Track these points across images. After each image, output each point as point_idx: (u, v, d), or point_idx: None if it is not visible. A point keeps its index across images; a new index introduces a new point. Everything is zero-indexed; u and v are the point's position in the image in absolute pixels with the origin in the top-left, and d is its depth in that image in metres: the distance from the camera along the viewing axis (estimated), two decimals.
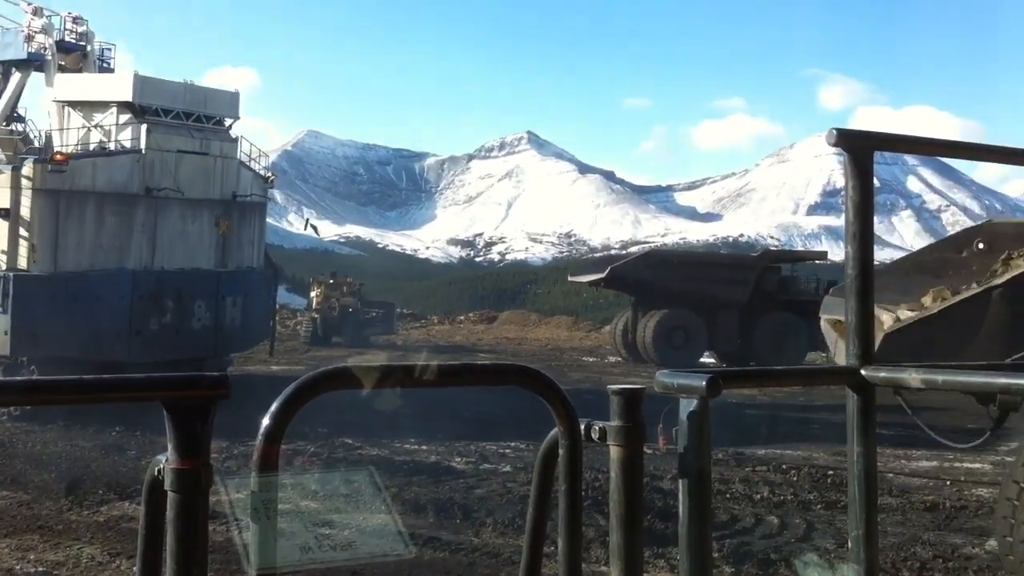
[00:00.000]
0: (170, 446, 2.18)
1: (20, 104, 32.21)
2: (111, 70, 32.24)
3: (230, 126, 31.36)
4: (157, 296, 28.49)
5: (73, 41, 31.77)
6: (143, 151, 28.62)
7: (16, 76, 30.74)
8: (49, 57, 30.49)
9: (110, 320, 27.21)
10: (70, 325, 26.44)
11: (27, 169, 27.34)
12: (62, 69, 30.80)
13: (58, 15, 31.73)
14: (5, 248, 27.77)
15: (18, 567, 11.86)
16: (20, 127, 31.89)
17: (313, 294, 49.88)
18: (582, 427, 2.71)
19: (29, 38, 30.88)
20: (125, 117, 29.21)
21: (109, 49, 32.77)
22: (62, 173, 27.05)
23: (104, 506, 15.17)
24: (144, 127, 28.85)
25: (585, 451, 2.73)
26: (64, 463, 18.34)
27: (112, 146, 29.14)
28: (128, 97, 29.05)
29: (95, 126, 29.58)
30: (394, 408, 21.36)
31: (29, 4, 31.10)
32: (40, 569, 11.81)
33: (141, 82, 29.47)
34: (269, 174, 33.46)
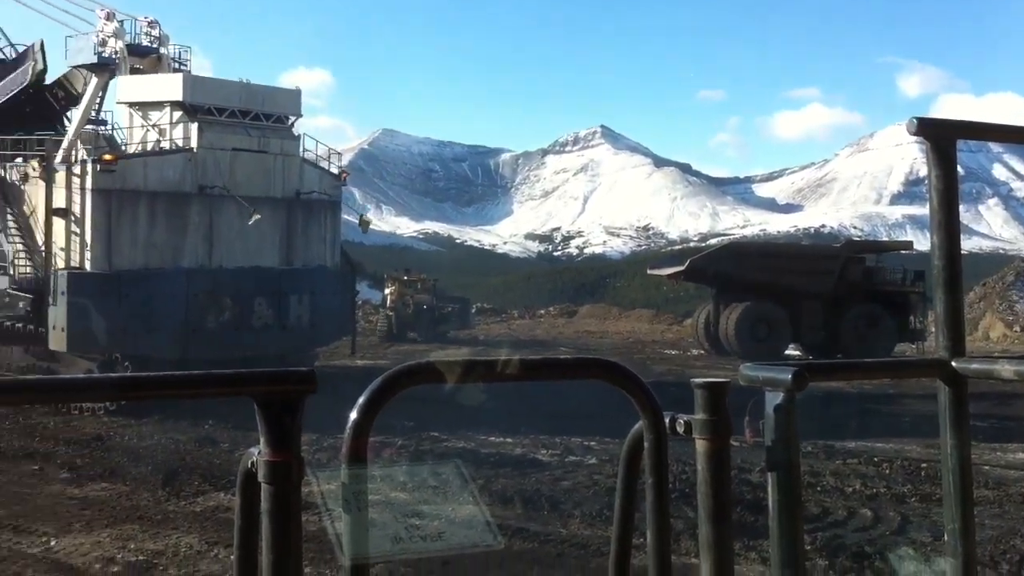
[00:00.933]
0: (262, 439, 2.24)
1: (105, 107, 32.91)
2: (190, 71, 32.47)
3: (292, 124, 31.27)
4: (214, 294, 28.58)
5: (147, 44, 32.18)
6: (194, 149, 28.76)
7: (93, 80, 31.27)
8: (119, 60, 30.78)
9: (164, 318, 27.41)
10: (124, 323, 26.90)
11: (80, 169, 28.00)
12: (136, 72, 31.17)
13: (132, 19, 32.13)
14: (63, 246, 28.67)
15: (119, 556, 12.23)
16: (102, 129, 32.58)
17: (387, 291, 49.85)
18: (666, 421, 2.71)
19: (102, 43, 31.56)
20: (178, 116, 29.37)
21: (186, 51, 33.08)
22: (112, 173, 27.47)
23: (200, 497, 15.54)
24: (195, 126, 28.93)
25: (673, 442, 2.73)
26: (160, 455, 18.83)
27: (166, 145, 29.32)
28: (179, 96, 29.22)
29: (152, 126, 29.84)
30: (478, 402, 21.50)
31: (103, 9, 31.77)
32: (141, 558, 12.15)
33: (192, 81, 29.70)
34: (340, 171, 33.23)
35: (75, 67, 32.23)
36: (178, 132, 29.19)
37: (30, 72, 32.86)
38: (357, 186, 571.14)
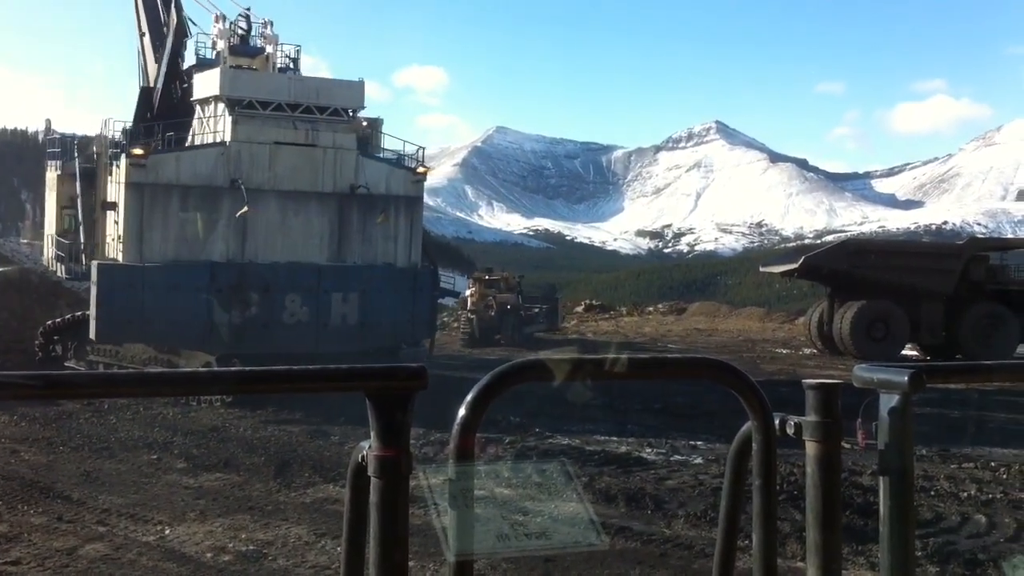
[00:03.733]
0: (372, 434, 2.28)
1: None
2: (296, 71, 32.75)
3: (353, 116, 30.54)
4: (239, 289, 27.99)
5: (251, 45, 32.51)
6: (227, 143, 28.52)
7: (195, 80, 31.73)
8: (220, 61, 31.06)
9: (187, 311, 27.35)
10: (149, 314, 27.13)
11: (121, 164, 28.45)
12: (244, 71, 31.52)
13: (235, 20, 32.53)
14: (112, 239, 29.57)
15: (231, 545, 12.55)
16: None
17: (468, 292, 47.22)
18: (776, 422, 2.67)
19: (213, 44, 32.37)
20: (220, 109, 29.34)
21: (296, 49, 33.23)
22: (144, 167, 27.67)
23: (310, 488, 15.86)
24: (229, 119, 28.70)
25: (780, 442, 2.69)
26: (273, 447, 19.27)
27: (210, 139, 29.38)
28: (216, 91, 29.20)
29: (206, 119, 29.98)
30: (584, 400, 21.45)
31: (219, 13, 32.58)
32: (251, 547, 12.45)
33: (231, 75, 29.44)
34: (418, 166, 31.95)
35: (187, 69, 33.04)
36: (220, 126, 29.22)
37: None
38: (469, 183, 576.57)
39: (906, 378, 2.62)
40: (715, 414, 22.09)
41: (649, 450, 19.49)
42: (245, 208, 27.87)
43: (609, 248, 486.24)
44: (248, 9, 32.73)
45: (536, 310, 46.72)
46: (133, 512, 14.11)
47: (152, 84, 33.61)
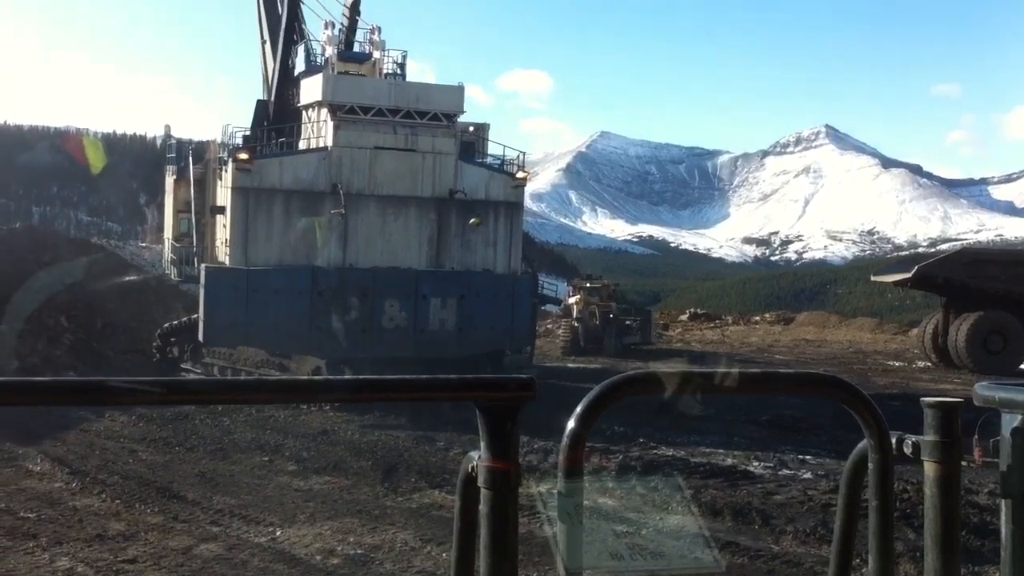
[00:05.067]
0: (483, 444, 2.30)
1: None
2: (403, 76, 32.98)
3: (453, 121, 30.38)
4: (340, 293, 28.15)
5: (358, 51, 33.00)
6: (328, 148, 28.77)
7: (301, 86, 32.00)
8: (327, 67, 31.38)
9: (289, 315, 27.70)
10: (252, 318, 27.54)
11: (228, 169, 28.96)
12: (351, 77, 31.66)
13: (339, 25, 33.08)
14: (220, 242, 30.07)
15: (339, 548, 12.76)
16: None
17: (572, 300, 46.32)
18: (893, 441, 2.61)
19: (322, 51, 33.00)
20: (323, 115, 29.60)
21: (404, 54, 33.31)
22: (249, 172, 28.10)
23: (416, 493, 16.02)
24: (331, 124, 28.93)
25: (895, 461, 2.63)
26: (380, 451, 19.52)
27: (313, 144, 29.68)
28: (319, 97, 29.48)
29: (310, 125, 30.29)
30: (695, 411, 21.20)
31: (330, 20, 33.19)
32: (359, 551, 12.63)
33: (333, 80, 29.64)
34: (518, 172, 31.71)
35: (297, 75, 33.69)
36: (323, 131, 29.51)
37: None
38: (573, 189, 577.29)
39: None
40: (824, 427, 21.63)
41: (756, 463, 19.17)
42: (339, 210, 28.29)
43: (714, 255, 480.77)
44: (378, 27, 33.14)
45: (630, 322, 45.99)
46: (246, 513, 14.45)
47: (270, 90, 34.43)
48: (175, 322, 32.57)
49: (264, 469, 17.91)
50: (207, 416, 22.80)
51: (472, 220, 29.89)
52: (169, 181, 36.23)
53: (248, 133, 32.93)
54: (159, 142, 39.52)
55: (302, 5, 34.23)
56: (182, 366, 31.83)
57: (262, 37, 35.47)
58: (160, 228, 39.26)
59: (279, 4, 34.04)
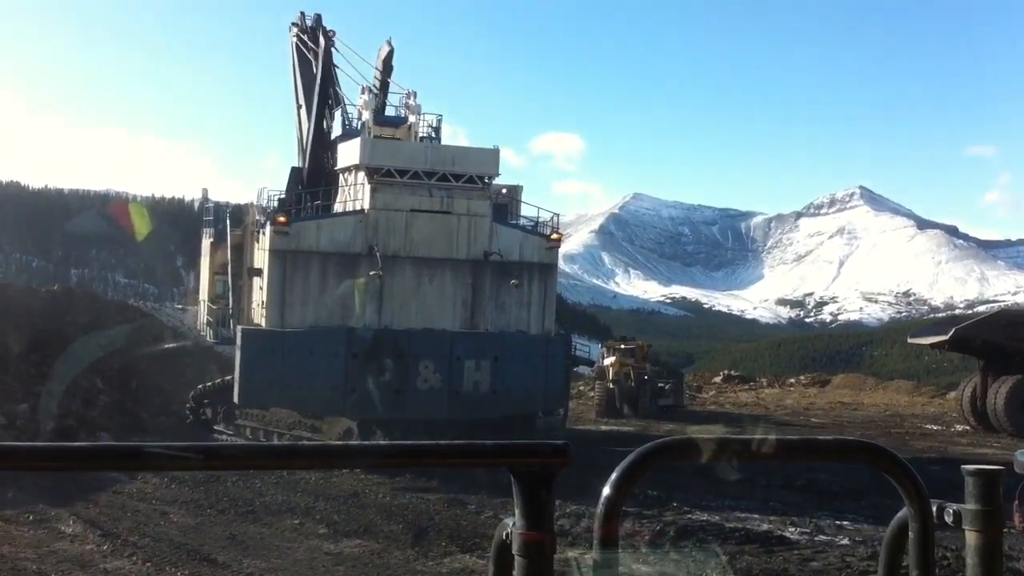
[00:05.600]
0: (517, 512, 2.28)
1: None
2: (438, 139, 33.43)
3: (488, 184, 30.69)
4: (375, 355, 28.14)
5: (393, 115, 33.47)
6: (365, 211, 29.02)
7: (339, 149, 32.36)
8: (364, 131, 31.94)
9: (325, 376, 27.77)
10: (288, 379, 27.68)
11: (266, 231, 29.30)
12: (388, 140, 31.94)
13: (367, 88, 33.56)
14: (256, 304, 30.27)
15: None
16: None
17: (608, 362, 46.05)
18: (934, 508, 2.56)
19: (359, 115, 33.50)
20: (360, 178, 29.93)
21: (439, 118, 33.90)
22: (287, 235, 28.48)
23: (447, 558, 15.87)
24: (368, 187, 29.20)
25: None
26: (411, 515, 19.40)
27: (349, 207, 29.99)
28: (357, 160, 29.86)
29: (347, 188, 30.70)
30: (731, 477, 20.94)
31: (366, 84, 33.75)
32: None
33: (371, 144, 30.05)
34: (552, 233, 31.85)
35: (334, 139, 34.17)
36: (360, 194, 29.85)
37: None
38: (606, 250, 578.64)
39: None
40: (861, 492, 21.28)
41: (792, 529, 18.87)
42: (379, 271, 28.46)
43: (748, 317, 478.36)
44: (414, 92, 33.57)
45: (663, 384, 45.79)
46: None
47: (304, 154, 34.92)
48: (209, 384, 32.72)
49: (294, 532, 17.84)
50: (238, 478, 22.78)
51: (513, 282, 30.01)
52: (206, 243, 36.68)
53: (283, 196, 33.36)
54: (196, 205, 40.07)
55: (336, 68, 34.86)
56: (215, 428, 31.93)
57: (297, 102, 36.08)
58: (197, 290, 39.65)
59: (314, 67, 34.66)
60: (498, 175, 31.24)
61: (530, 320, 30.64)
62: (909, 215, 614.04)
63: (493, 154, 31.17)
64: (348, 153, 31.02)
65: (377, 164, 29.66)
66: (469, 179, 30.12)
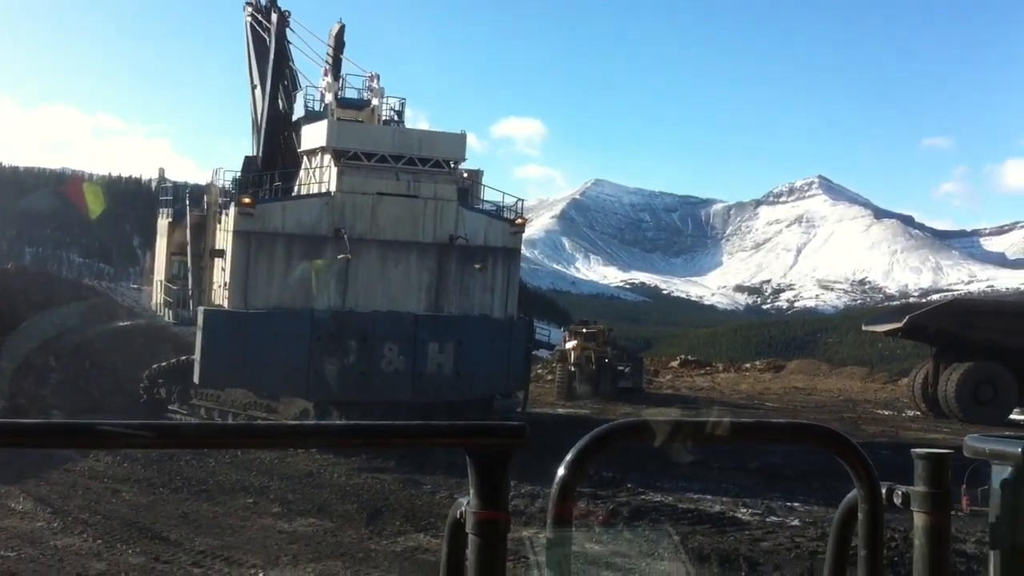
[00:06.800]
0: (472, 491, 2.28)
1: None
2: (401, 123, 33.33)
3: (454, 168, 30.79)
4: (339, 337, 28.19)
5: (356, 97, 33.16)
6: (332, 193, 28.97)
7: (303, 132, 32.11)
8: (328, 114, 31.62)
9: (287, 358, 27.68)
10: (250, 360, 27.51)
11: (230, 212, 29.08)
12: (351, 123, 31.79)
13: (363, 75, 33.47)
14: (219, 285, 30.02)
15: None
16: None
17: (570, 345, 46.60)
18: (883, 491, 2.60)
19: (322, 97, 33.22)
20: (327, 160, 29.82)
21: (402, 101, 33.81)
22: (251, 216, 28.29)
23: (401, 537, 15.90)
24: (334, 170, 29.13)
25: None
26: (365, 494, 19.40)
27: (314, 189, 29.90)
28: (323, 143, 29.68)
29: (312, 170, 30.55)
30: (684, 459, 21.13)
31: (327, 67, 33.47)
32: None
33: (338, 127, 29.94)
34: (517, 218, 31.89)
35: (296, 121, 33.88)
36: (326, 177, 29.76)
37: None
38: (567, 235, 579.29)
39: (1020, 450, 2.54)
40: (813, 475, 21.56)
41: (744, 510, 19.10)
42: (347, 255, 28.30)
43: (706, 303, 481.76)
44: (377, 74, 33.32)
45: (623, 368, 46.27)
46: (228, 555, 14.32)
47: (259, 133, 34.60)
48: (164, 364, 32.41)
49: (248, 511, 17.77)
50: (192, 457, 22.64)
51: (477, 265, 30.00)
52: (163, 223, 36.26)
53: (238, 176, 33.05)
54: (153, 185, 39.55)
55: (290, 45, 34.56)
56: (169, 408, 31.65)
57: (252, 82, 35.71)
58: (153, 270, 39.13)
59: (268, 46, 34.33)
60: (465, 160, 31.29)
61: (493, 304, 30.70)
62: (866, 204, 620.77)
63: (460, 139, 31.24)
64: (314, 135, 30.76)
65: (344, 147, 29.48)
66: (436, 163, 30.08)
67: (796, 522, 17.91)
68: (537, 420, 30.43)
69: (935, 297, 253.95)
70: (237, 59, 37.17)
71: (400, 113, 33.59)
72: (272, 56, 33.95)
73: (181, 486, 19.73)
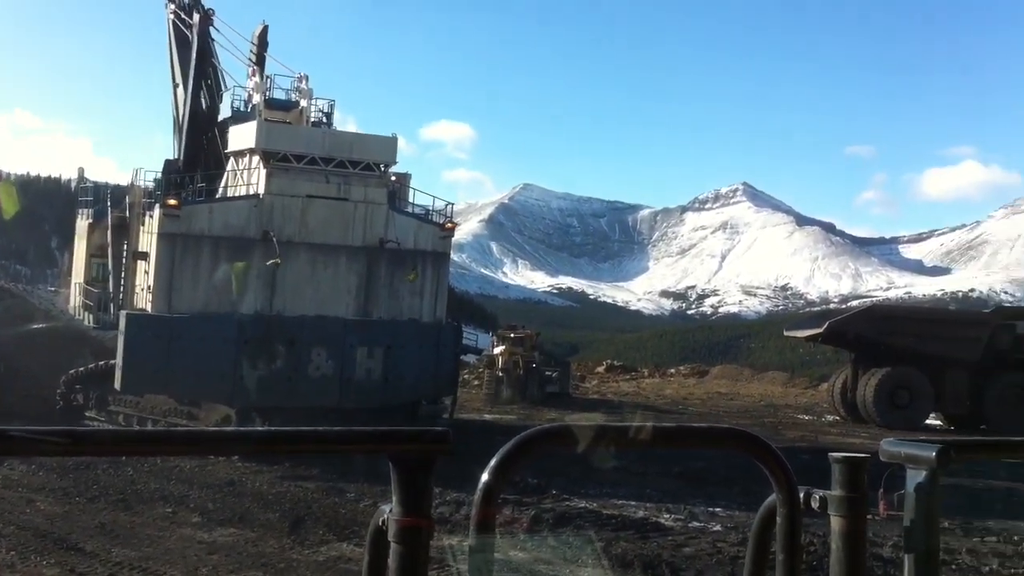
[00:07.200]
0: (394, 499, 2.26)
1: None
2: (329, 125, 33.01)
3: (385, 171, 30.55)
4: (266, 342, 27.80)
5: (283, 99, 32.72)
6: (260, 195, 28.60)
7: (230, 132, 31.66)
8: (255, 114, 31.15)
9: (214, 363, 27.26)
10: (174, 365, 27.05)
11: (154, 214, 28.58)
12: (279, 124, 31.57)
13: (289, 75, 33.06)
14: (142, 288, 29.51)
15: None
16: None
17: (497, 350, 46.54)
18: (801, 495, 2.63)
19: (249, 98, 32.78)
20: (255, 162, 29.41)
21: (331, 103, 33.51)
22: (177, 218, 27.87)
23: (324, 546, 15.73)
24: (263, 172, 28.76)
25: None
26: (288, 503, 19.16)
27: (242, 191, 29.45)
28: (253, 144, 29.30)
29: (240, 172, 30.12)
30: (608, 464, 21.27)
31: (254, 67, 33.04)
32: None
33: (266, 128, 29.56)
34: (446, 223, 31.81)
35: (222, 121, 33.36)
36: (254, 179, 29.32)
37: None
38: (495, 240, 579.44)
39: (934, 454, 2.59)
40: (735, 480, 21.84)
41: (667, 515, 19.27)
42: (277, 260, 27.95)
43: (632, 308, 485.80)
44: (305, 75, 32.90)
45: (550, 373, 46.57)
46: (146, 566, 14.04)
47: (181, 132, 34.02)
48: (82, 368, 31.65)
49: (167, 520, 17.44)
50: (109, 466, 22.15)
51: (411, 275, 29.84)
52: (82, 224, 35.45)
53: (158, 177, 32.46)
54: (73, 185, 38.60)
55: (214, 43, 34.08)
56: (87, 414, 30.93)
57: (174, 80, 35.10)
58: (71, 272, 38.21)
59: (191, 43, 33.82)
60: (395, 163, 31.13)
61: (423, 309, 30.51)
62: (789, 212, 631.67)
63: (391, 142, 31.06)
64: (242, 136, 30.29)
65: (273, 148, 29.10)
66: (366, 166, 29.86)
67: (718, 527, 18.12)
68: (464, 426, 30.38)
69: (855, 303, 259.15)
70: (160, 57, 36.58)
71: (329, 115, 33.32)
72: (195, 54, 33.44)
73: (98, 495, 19.29)
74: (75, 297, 35.82)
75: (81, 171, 40.83)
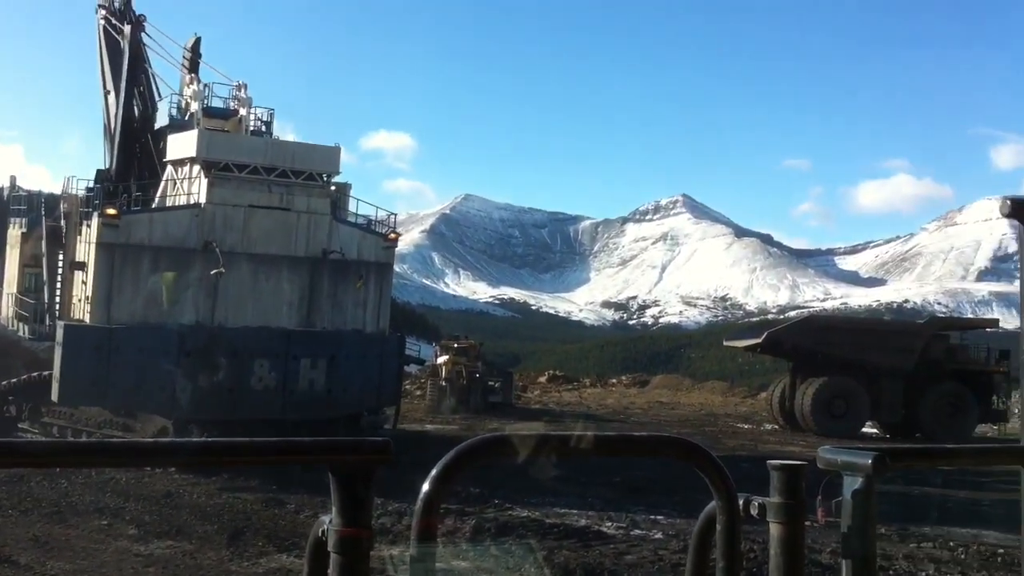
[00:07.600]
0: (334, 509, 2.25)
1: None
2: (269, 134, 32.74)
3: (328, 181, 30.45)
4: (207, 353, 27.43)
5: (222, 107, 32.44)
6: (201, 205, 28.35)
7: (169, 141, 31.19)
8: (194, 123, 30.86)
9: (155, 375, 26.93)
10: (113, 377, 26.75)
11: (92, 224, 28.23)
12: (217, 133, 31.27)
13: (224, 83, 32.77)
14: (79, 299, 29.09)
15: None
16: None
17: (440, 360, 46.83)
18: (740, 502, 2.66)
19: (186, 105, 32.37)
20: (196, 171, 29.12)
21: (271, 111, 33.21)
22: (116, 228, 27.50)
23: (263, 558, 15.56)
24: (204, 181, 28.50)
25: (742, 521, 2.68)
26: (227, 515, 18.92)
27: (182, 201, 29.13)
28: (193, 153, 28.98)
29: (180, 181, 29.81)
30: (548, 474, 21.31)
31: (192, 75, 32.63)
32: None
33: (208, 137, 29.28)
34: (389, 233, 31.79)
35: (159, 129, 32.92)
36: (195, 188, 29.00)
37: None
38: (437, 250, 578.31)
39: (870, 461, 2.63)
40: (676, 488, 22.00)
41: (609, 524, 19.35)
42: (220, 269, 27.61)
43: (574, 318, 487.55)
44: (244, 84, 32.55)
45: (493, 383, 46.63)
46: None
47: (112, 140, 33.51)
48: (14, 380, 31.00)
49: (103, 533, 17.14)
50: (43, 478, 21.70)
51: (357, 283, 29.70)
52: (14, 233, 34.77)
53: (91, 186, 31.95)
54: (4, 193, 37.76)
55: (146, 48, 33.64)
56: (19, 426, 30.31)
57: (105, 87, 34.54)
58: (2, 283, 37.44)
59: (122, 50, 33.35)
60: (339, 173, 30.96)
61: (366, 319, 30.38)
62: (728, 223, 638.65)
63: (334, 152, 30.88)
64: (181, 145, 29.88)
65: (214, 157, 28.78)
66: (309, 176, 29.67)
67: (659, 535, 18.23)
68: (406, 436, 30.25)
69: (792, 314, 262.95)
70: (91, 63, 36.01)
71: (268, 124, 33.01)
72: (126, 61, 32.96)
73: (31, 508, 18.89)
74: (7, 308, 35.07)
75: (13, 179, 40.06)
